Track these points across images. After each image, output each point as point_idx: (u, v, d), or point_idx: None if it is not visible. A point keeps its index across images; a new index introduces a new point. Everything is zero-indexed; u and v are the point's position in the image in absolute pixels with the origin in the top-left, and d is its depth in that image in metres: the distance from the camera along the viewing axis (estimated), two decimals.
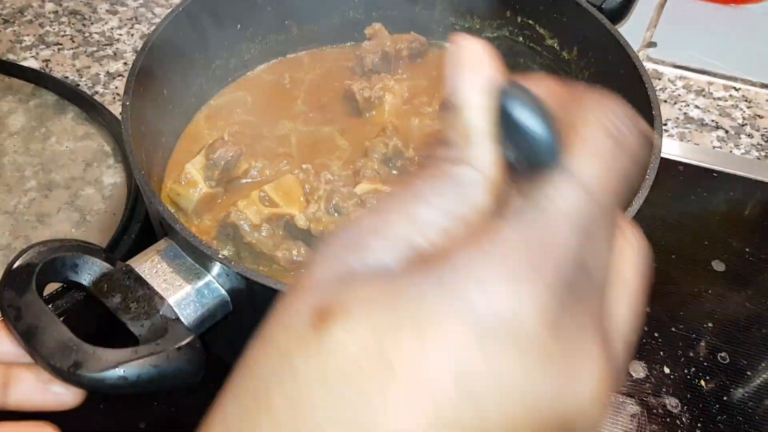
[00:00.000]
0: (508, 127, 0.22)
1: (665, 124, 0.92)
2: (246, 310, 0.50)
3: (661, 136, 0.58)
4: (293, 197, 0.62)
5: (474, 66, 0.24)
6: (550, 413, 0.20)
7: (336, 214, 0.60)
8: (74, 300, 0.63)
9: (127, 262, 0.50)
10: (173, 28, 0.65)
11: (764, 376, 0.70)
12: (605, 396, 0.21)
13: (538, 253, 0.20)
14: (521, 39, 0.79)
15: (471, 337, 0.19)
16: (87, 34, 0.98)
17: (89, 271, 0.48)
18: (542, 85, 0.25)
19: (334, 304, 0.20)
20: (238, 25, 0.76)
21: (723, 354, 0.71)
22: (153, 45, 0.62)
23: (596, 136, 0.22)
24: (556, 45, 0.76)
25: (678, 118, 0.93)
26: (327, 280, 0.22)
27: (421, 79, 0.78)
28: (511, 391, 0.19)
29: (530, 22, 0.77)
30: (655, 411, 0.66)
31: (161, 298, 0.47)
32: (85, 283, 0.48)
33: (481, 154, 0.23)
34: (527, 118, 0.22)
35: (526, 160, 0.23)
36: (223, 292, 0.49)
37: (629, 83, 0.64)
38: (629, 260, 0.25)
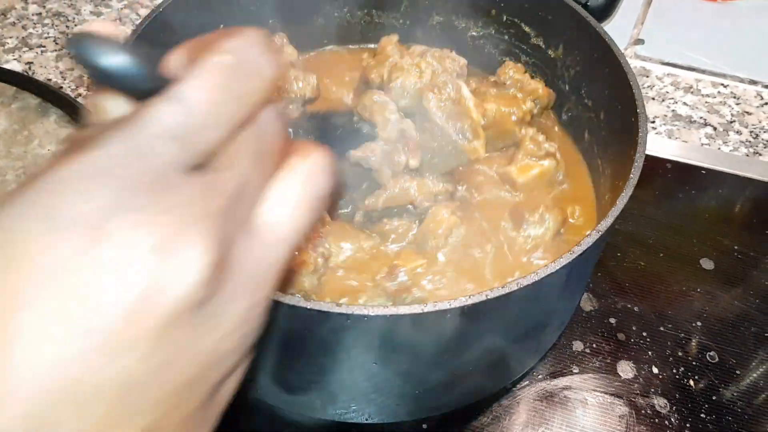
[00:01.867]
0: (97, 73, 0.24)
1: (653, 122, 0.92)
2: None
3: (646, 133, 0.57)
4: None
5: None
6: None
7: None
8: None
9: None
10: (151, 31, 0.65)
11: (753, 375, 0.69)
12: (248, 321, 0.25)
13: (135, 164, 0.22)
14: (507, 37, 0.78)
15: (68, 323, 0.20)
16: (71, 36, 0.97)
17: None
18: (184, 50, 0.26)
19: None
20: (221, 26, 0.75)
21: (712, 353, 0.70)
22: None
23: (206, 63, 0.24)
24: (541, 43, 0.75)
25: (666, 116, 0.92)
26: None
27: None
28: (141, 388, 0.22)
29: (515, 20, 0.76)
30: (643, 411, 0.66)
31: None
32: None
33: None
34: (103, 60, 0.23)
35: (130, 94, 0.25)
36: None
37: (614, 81, 0.64)
38: (302, 171, 0.28)
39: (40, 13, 1.00)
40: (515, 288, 0.46)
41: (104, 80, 0.24)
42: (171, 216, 0.22)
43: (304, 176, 0.28)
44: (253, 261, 0.25)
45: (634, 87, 0.61)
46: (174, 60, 0.26)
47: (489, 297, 0.45)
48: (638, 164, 0.56)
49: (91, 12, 1.00)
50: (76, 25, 0.98)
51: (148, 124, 0.23)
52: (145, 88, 0.24)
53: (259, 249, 0.25)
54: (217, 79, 0.24)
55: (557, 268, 0.47)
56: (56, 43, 0.96)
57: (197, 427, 0.25)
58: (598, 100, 0.69)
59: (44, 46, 0.95)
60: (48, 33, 0.97)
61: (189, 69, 0.24)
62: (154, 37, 0.64)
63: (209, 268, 0.22)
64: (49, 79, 0.91)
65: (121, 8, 1.01)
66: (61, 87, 0.89)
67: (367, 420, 0.59)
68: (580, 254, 0.48)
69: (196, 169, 0.23)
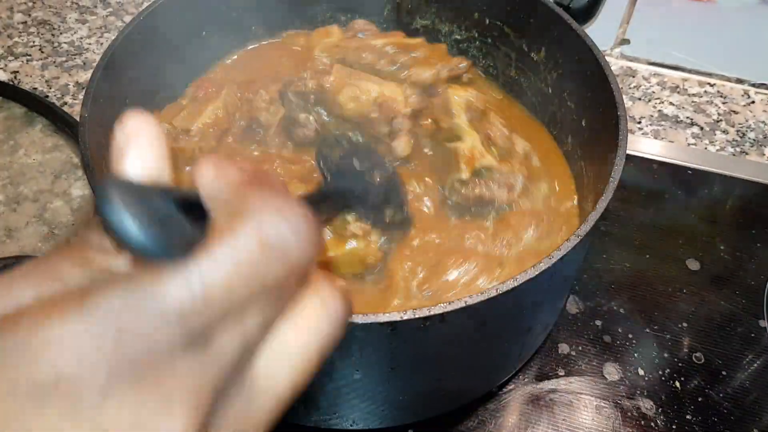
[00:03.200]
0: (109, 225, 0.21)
1: (639, 122, 0.92)
2: None
3: (626, 136, 0.57)
4: None
5: (134, 147, 0.24)
6: None
7: None
8: None
9: None
10: (133, 37, 0.65)
11: (740, 376, 0.69)
12: None
13: (121, 334, 0.20)
14: (490, 41, 0.78)
15: None
16: (56, 44, 0.97)
17: None
18: (215, 169, 0.24)
19: None
20: (203, 32, 0.75)
21: (698, 354, 0.70)
22: (112, 56, 0.62)
23: (237, 240, 0.22)
24: (524, 46, 0.75)
25: (652, 116, 0.93)
26: None
27: None
28: None
29: (498, 23, 0.76)
30: (629, 413, 0.66)
31: None
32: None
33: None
34: (117, 224, 0.21)
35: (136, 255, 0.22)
36: None
37: (596, 83, 0.64)
38: (307, 320, 0.25)
39: (26, 22, 1.00)
40: (494, 294, 0.46)
41: (120, 243, 0.22)
42: (158, 394, 0.21)
43: (313, 324, 0.25)
44: (240, 416, 0.24)
45: (614, 89, 0.61)
46: (205, 179, 0.24)
47: (468, 304, 0.45)
48: (618, 167, 0.56)
49: (76, 20, 1.00)
50: (61, 34, 0.98)
51: (155, 298, 0.21)
52: (160, 257, 0.22)
53: (249, 404, 0.24)
54: (244, 268, 0.22)
55: (536, 273, 0.47)
56: (42, 52, 0.96)
57: None
58: (581, 103, 0.69)
59: (30, 55, 0.95)
60: (33, 42, 0.97)
61: (214, 235, 0.22)
62: (130, 47, 0.64)
63: None
64: (35, 88, 0.90)
65: (106, 15, 1.01)
66: (47, 96, 0.89)
67: (351, 426, 0.59)
68: (560, 259, 0.48)
69: (194, 343, 0.22)
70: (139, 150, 0.25)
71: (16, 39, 0.97)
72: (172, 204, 0.23)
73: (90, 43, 0.97)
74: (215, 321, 0.22)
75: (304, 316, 0.25)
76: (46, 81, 0.92)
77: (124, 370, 0.20)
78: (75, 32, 0.99)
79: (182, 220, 0.23)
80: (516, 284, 0.46)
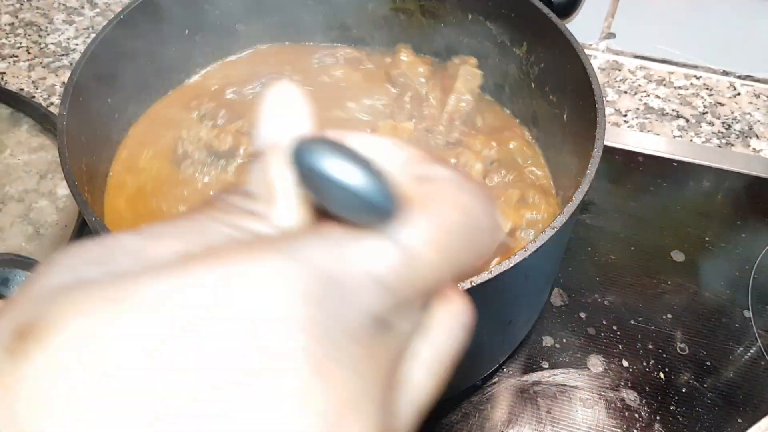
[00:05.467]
0: (319, 182, 0.19)
1: (625, 115, 0.92)
2: None
3: (604, 129, 0.57)
4: None
5: (284, 113, 0.22)
6: None
7: None
8: None
9: None
10: (114, 36, 0.65)
11: (725, 367, 0.69)
12: None
13: (318, 296, 0.17)
14: (472, 36, 0.78)
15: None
16: (43, 45, 0.97)
17: (20, 285, 0.48)
18: (397, 151, 0.23)
19: (40, 318, 0.16)
20: (186, 30, 0.75)
21: (682, 345, 0.71)
22: (92, 55, 0.62)
23: (443, 206, 0.21)
24: (506, 41, 0.75)
25: (638, 109, 0.93)
26: (45, 291, 0.17)
27: None
28: None
29: (480, 18, 0.76)
30: (613, 405, 0.66)
31: None
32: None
33: (285, 211, 0.20)
34: (337, 170, 0.18)
35: (349, 216, 0.20)
36: None
37: (575, 76, 0.64)
38: (444, 328, 0.24)
39: (13, 23, 1.00)
40: (468, 286, 0.46)
41: (324, 189, 0.19)
42: (359, 382, 0.18)
43: (449, 332, 0.24)
44: (387, 427, 0.21)
45: (593, 83, 0.61)
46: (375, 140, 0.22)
47: None
48: (595, 160, 0.56)
49: (63, 21, 1.01)
50: (48, 35, 0.99)
51: (363, 256, 0.19)
52: (362, 215, 0.19)
53: (395, 414, 0.22)
54: (448, 240, 0.20)
55: (510, 266, 0.47)
56: (29, 53, 0.96)
57: None
58: (562, 97, 0.69)
59: (17, 56, 0.95)
60: (20, 43, 0.97)
61: (413, 204, 0.20)
62: (111, 46, 0.64)
63: None
64: (22, 89, 0.91)
65: (94, 16, 1.01)
66: (33, 96, 0.90)
67: None
68: (534, 251, 0.48)
69: (387, 320, 0.20)
70: (300, 113, 0.22)
71: (3, 40, 0.97)
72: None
73: (77, 44, 0.97)
74: (412, 294, 0.20)
75: (441, 322, 0.24)
76: (33, 82, 0.92)
77: (322, 336, 0.17)
78: (62, 33, 0.99)
79: (387, 175, 0.20)
80: (490, 276, 0.47)
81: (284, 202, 0.21)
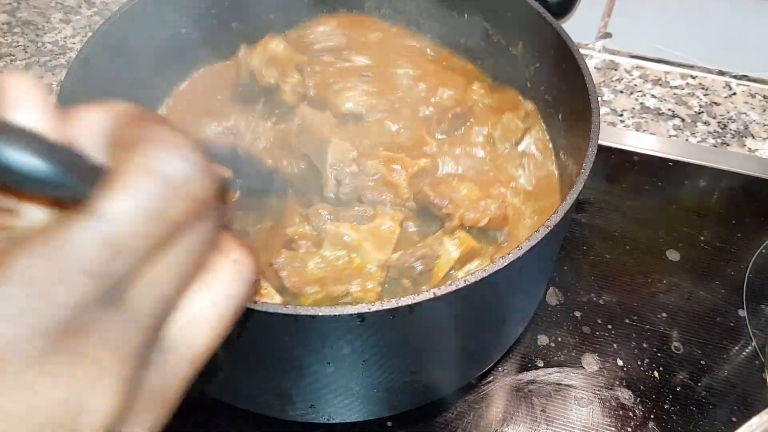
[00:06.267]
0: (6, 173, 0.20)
1: (621, 115, 0.92)
2: None
3: (598, 128, 0.58)
4: None
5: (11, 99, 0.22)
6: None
7: None
8: None
9: None
10: (111, 35, 0.65)
11: (719, 366, 0.70)
12: (116, 408, 0.22)
13: (43, 282, 0.20)
14: (469, 36, 0.78)
15: None
16: (40, 44, 0.97)
17: None
18: (108, 112, 0.24)
19: None
20: (183, 30, 0.75)
21: (677, 344, 0.71)
22: (88, 54, 0.62)
23: (134, 178, 0.21)
24: (502, 41, 0.75)
25: (634, 108, 0.93)
26: None
27: None
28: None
29: (476, 18, 0.76)
30: (608, 404, 0.66)
31: None
32: None
33: None
34: (12, 157, 0.20)
35: (47, 194, 0.21)
36: None
37: (570, 75, 0.64)
38: (221, 279, 0.25)
39: (10, 22, 1.00)
40: (463, 285, 0.46)
41: (14, 182, 0.21)
42: (83, 364, 0.20)
43: (224, 288, 0.25)
44: (158, 382, 0.24)
45: (587, 80, 0.61)
46: (92, 136, 0.23)
47: (437, 295, 0.46)
48: (590, 159, 0.56)
49: (60, 20, 1.01)
50: (45, 34, 0.99)
51: (65, 250, 0.20)
52: (58, 193, 0.21)
53: (165, 368, 0.24)
54: (145, 201, 0.21)
55: (505, 264, 0.47)
56: (26, 52, 0.96)
57: None
58: (558, 97, 0.69)
59: (13, 55, 0.95)
60: (18, 42, 0.97)
61: (113, 176, 0.21)
62: (107, 46, 0.64)
63: (116, 411, 0.21)
64: None
65: (91, 15, 1.02)
66: None
67: (328, 420, 0.60)
68: (528, 250, 0.49)
69: (112, 297, 0.22)
70: (29, 102, 0.23)
71: (1, 39, 0.97)
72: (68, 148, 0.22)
73: (74, 43, 0.97)
74: (127, 270, 0.21)
75: (218, 278, 0.25)
76: None
77: (49, 335, 0.20)
78: (59, 32, 0.99)
79: (80, 152, 0.22)
80: (485, 275, 0.47)
81: None
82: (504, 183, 0.68)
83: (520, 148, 0.72)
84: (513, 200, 0.67)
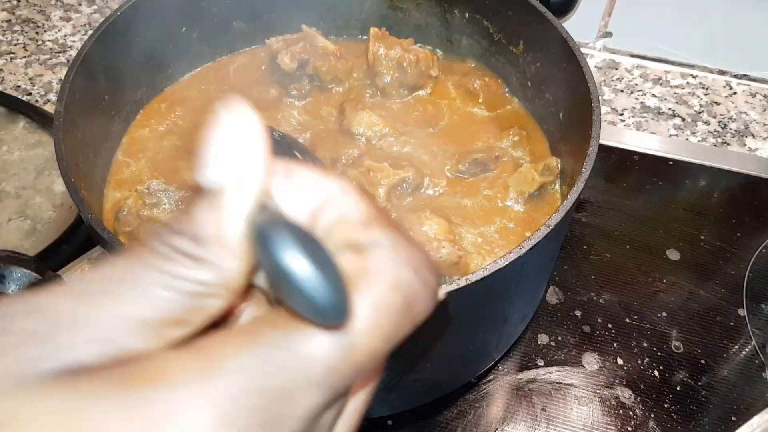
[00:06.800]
0: (279, 275, 0.19)
1: (621, 114, 0.92)
2: None
3: (599, 128, 0.58)
4: None
5: (237, 143, 0.20)
6: None
7: None
8: None
9: (59, 272, 0.50)
10: (111, 34, 0.65)
11: (719, 365, 0.70)
12: None
13: (262, 400, 0.18)
14: (470, 35, 0.78)
15: None
16: (40, 42, 0.97)
17: (17, 282, 0.48)
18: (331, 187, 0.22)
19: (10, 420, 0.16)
20: (183, 28, 0.75)
21: (677, 343, 0.71)
22: (88, 52, 0.62)
23: (379, 284, 0.20)
24: (503, 39, 0.75)
25: (635, 108, 0.93)
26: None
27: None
28: None
29: (477, 16, 0.76)
30: (608, 403, 0.66)
31: None
32: (9, 292, 0.47)
33: (231, 263, 0.19)
34: (300, 274, 0.18)
35: (297, 310, 0.19)
36: None
37: (572, 75, 0.64)
38: (355, 403, 0.24)
39: (10, 20, 1.00)
40: (464, 284, 0.46)
41: (281, 289, 0.19)
42: None
43: (356, 410, 0.24)
44: None
45: (588, 80, 0.61)
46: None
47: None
48: (590, 158, 0.56)
49: (60, 17, 1.01)
50: (45, 31, 0.98)
51: (301, 367, 0.18)
52: (317, 320, 0.19)
53: None
54: (392, 322, 0.20)
55: (506, 263, 0.47)
56: (26, 50, 0.96)
57: None
58: (559, 96, 0.69)
59: (14, 53, 0.95)
60: (17, 39, 0.97)
61: (359, 287, 0.19)
62: (108, 43, 0.64)
63: None
64: (19, 86, 0.91)
65: (91, 13, 1.01)
66: (30, 93, 0.90)
67: None
68: (530, 249, 0.49)
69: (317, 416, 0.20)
70: (254, 143, 0.20)
71: (0, 37, 0.97)
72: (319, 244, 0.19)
73: (74, 41, 0.97)
74: (349, 385, 0.20)
75: (356, 397, 0.24)
76: (30, 79, 0.92)
77: None
78: (59, 30, 0.99)
79: (333, 262, 0.19)
80: (486, 274, 0.47)
81: (234, 258, 0.20)
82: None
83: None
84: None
